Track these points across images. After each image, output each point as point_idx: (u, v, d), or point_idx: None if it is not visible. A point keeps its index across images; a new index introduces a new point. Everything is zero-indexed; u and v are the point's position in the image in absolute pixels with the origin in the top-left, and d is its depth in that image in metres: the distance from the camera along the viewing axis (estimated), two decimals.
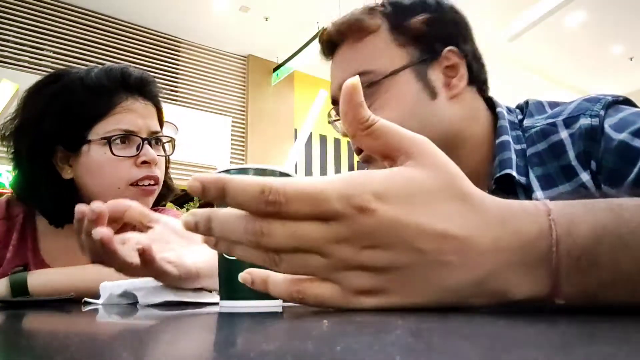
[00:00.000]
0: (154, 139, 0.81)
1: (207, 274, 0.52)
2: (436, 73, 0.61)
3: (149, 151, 0.78)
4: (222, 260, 0.42)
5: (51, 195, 0.76)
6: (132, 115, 0.78)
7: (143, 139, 0.78)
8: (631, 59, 5.49)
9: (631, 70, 5.68)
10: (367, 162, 0.63)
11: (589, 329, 0.22)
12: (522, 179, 0.58)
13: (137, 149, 0.77)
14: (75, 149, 0.76)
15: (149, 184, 0.78)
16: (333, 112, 0.70)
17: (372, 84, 0.60)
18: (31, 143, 0.75)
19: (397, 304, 0.30)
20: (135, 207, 0.53)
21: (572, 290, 0.28)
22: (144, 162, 0.77)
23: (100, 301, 0.52)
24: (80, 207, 0.45)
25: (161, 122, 0.87)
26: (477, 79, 0.65)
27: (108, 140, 0.75)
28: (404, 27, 0.61)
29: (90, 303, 0.53)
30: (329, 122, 0.72)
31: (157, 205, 0.90)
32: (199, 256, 0.51)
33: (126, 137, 0.77)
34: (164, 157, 0.84)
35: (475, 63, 0.64)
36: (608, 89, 5.97)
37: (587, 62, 5.50)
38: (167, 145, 0.87)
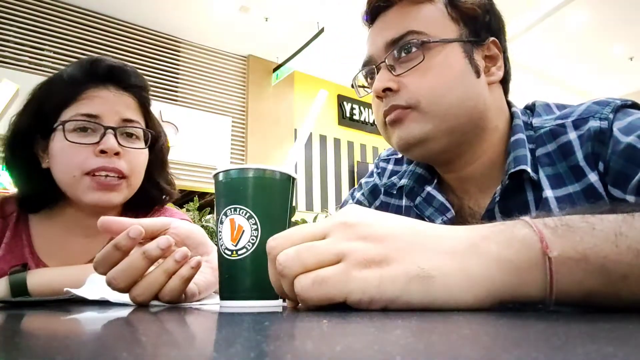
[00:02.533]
0: (125, 130, 0.78)
1: (205, 291, 0.53)
2: (479, 57, 0.63)
3: (109, 140, 0.74)
4: (222, 260, 0.42)
5: (26, 181, 0.78)
6: (96, 101, 0.75)
7: (106, 127, 0.74)
8: (631, 59, 5.48)
9: (631, 70, 5.67)
10: (385, 94, 0.63)
11: (589, 329, 0.22)
12: (535, 176, 0.59)
13: (101, 138, 0.74)
14: (47, 137, 0.76)
15: (106, 176, 0.74)
16: (361, 76, 0.70)
17: (423, 44, 0.60)
18: (12, 132, 0.77)
19: (400, 275, 0.32)
20: (149, 223, 0.49)
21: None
22: (103, 152, 0.74)
23: (82, 289, 0.51)
24: (136, 227, 0.45)
25: (147, 116, 0.84)
26: (505, 79, 0.67)
27: (63, 125, 0.73)
28: (460, 4, 0.63)
29: (71, 293, 0.51)
30: (352, 86, 0.73)
31: (151, 208, 0.88)
32: (199, 274, 0.51)
33: (85, 123, 0.74)
34: (141, 150, 0.80)
35: (507, 63, 0.67)
36: (608, 89, 5.98)
37: (587, 62, 5.50)
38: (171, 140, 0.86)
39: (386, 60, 0.63)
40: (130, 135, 0.79)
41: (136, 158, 0.79)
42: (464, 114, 0.61)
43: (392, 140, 0.65)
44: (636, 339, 0.18)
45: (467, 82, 0.61)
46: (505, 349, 0.16)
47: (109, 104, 0.76)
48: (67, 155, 0.73)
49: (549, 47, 5.15)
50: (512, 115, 0.66)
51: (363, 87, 0.72)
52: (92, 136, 0.74)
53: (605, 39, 5.03)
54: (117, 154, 0.75)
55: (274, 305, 0.41)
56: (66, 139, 0.73)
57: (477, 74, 0.62)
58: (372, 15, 0.67)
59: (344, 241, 0.33)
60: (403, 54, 0.61)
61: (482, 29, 0.64)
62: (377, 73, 0.64)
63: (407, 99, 0.61)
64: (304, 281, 0.33)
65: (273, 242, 0.36)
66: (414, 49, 0.61)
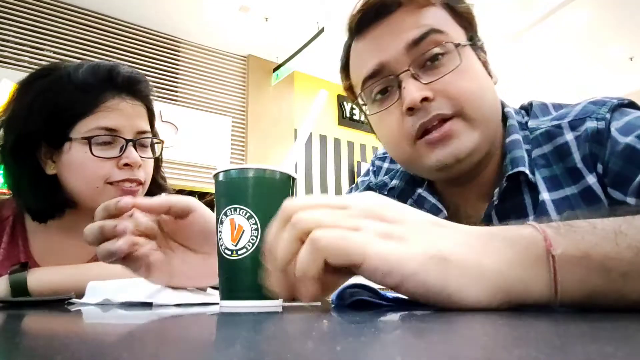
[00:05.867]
0: (140, 141, 0.80)
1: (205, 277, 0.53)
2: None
3: (132, 154, 0.76)
4: (222, 260, 0.42)
5: (33, 190, 0.76)
6: (116, 114, 0.76)
7: (127, 140, 0.76)
8: (631, 59, 5.48)
9: (631, 70, 5.67)
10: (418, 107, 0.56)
11: (589, 329, 0.22)
12: (532, 178, 0.58)
13: (121, 150, 0.76)
14: (58, 146, 0.75)
15: (129, 186, 0.77)
16: (367, 92, 0.62)
17: (458, 46, 0.56)
18: (16, 137, 0.75)
19: (420, 252, 0.31)
20: (178, 201, 0.50)
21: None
22: (126, 165, 0.76)
23: (84, 300, 0.51)
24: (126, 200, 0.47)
25: (152, 123, 0.85)
26: None
27: (89, 140, 0.74)
28: (457, 8, 0.60)
29: (74, 304, 0.51)
30: (356, 105, 0.66)
31: None
32: (185, 265, 0.51)
33: (109, 137, 0.75)
34: (151, 159, 0.82)
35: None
36: (608, 89, 5.98)
37: (587, 62, 5.50)
38: (157, 146, 0.85)
39: (411, 68, 0.56)
40: (142, 145, 0.81)
41: (149, 167, 0.82)
42: (496, 118, 0.60)
43: (429, 159, 0.57)
44: (636, 339, 0.18)
45: (491, 84, 0.61)
46: (505, 349, 0.16)
47: (128, 117, 0.77)
48: (90, 168, 0.74)
49: (549, 47, 5.15)
50: (505, 116, 0.65)
51: (365, 104, 0.64)
52: (113, 149, 0.76)
53: (605, 39, 5.03)
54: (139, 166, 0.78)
55: (274, 305, 0.41)
56: (92, 153, 0.74)
57: (490, 76, 0.61)
58: (367, 21, 0.60)
59: (362, 218, 0.33)
60: (429, 63, 0.56)
61: (474, 32, 0.62)
62: (400, 83, 0.57)
63: (451, 106, 0.55)
64: (324, 231, 0.31)
65: (289, 204, 0.35)
66: (444, 52, 0.56)
